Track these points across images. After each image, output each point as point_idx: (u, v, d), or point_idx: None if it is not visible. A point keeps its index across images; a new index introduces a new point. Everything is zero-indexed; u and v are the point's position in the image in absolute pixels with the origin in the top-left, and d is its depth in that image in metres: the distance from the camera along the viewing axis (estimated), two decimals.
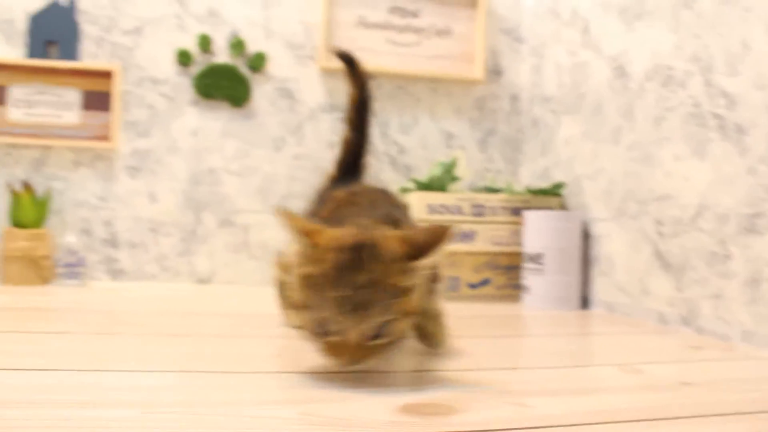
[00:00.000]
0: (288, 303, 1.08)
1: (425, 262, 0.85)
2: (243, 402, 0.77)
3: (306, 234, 0.85)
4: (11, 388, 0.79)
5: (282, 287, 1.31)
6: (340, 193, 1.11)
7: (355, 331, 0.81)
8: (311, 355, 1.05)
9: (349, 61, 1.27)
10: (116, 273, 2.05)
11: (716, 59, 1.38)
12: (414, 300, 0.86)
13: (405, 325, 0.87)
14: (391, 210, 1.07)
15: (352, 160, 1.28)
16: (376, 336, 0.83)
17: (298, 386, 0.86)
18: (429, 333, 1.09)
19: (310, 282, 0.83)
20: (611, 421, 0.74)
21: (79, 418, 0.68)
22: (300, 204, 2.08)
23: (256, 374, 0.91)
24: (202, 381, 0.86)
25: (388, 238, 0.85)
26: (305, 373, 0.93)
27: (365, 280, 0.81)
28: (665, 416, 0.77)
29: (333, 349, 0.84)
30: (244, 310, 1.56)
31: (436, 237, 0.84)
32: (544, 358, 1.14)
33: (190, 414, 0.71)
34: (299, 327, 0.89)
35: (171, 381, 0.85)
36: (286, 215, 0.86)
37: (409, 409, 0.75)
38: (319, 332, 0.84)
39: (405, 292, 0.84)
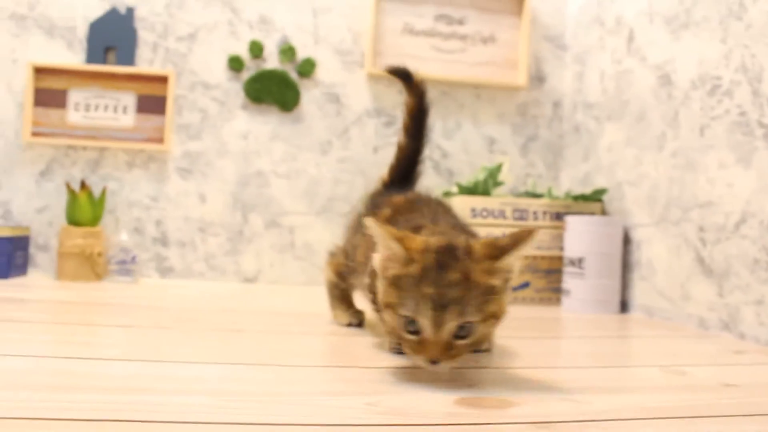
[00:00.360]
0: (341, 304, 1.10)
1: (510, 262, 0.87)
2: (310, 392, 0.82)
3: (398, 239, 0.87)
4: (87, 376, 0.85)
5: (332, 287, 1.37)
6: (399, 198, 1.16)
7: (441, 328, 0.83)
8: (365, 350, 1.10)
9: (404, 76, 1.31)
10: (165, 271, 2.13)
11: (765, 69, 1.40)
12: (503, 303, 0.88)
13: (491, 329, 0.88)
14: (452, 218, 1.11)
15: (405, 167, 1.32)
16: (462, 336, 0.84)
17: (359, 379, 0.90)
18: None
19: (399, 282, 0.85)
20: (656, 417, 0.77)
21: (154, 403, 0.73)
22: (344, 206, 2.15)
23: (316, 367, 0.96)
24: (267, 373, 0.91)
25: (474, 242, 0.88)
26: (364, 367, 0.98)
27: (454, 279, 0.83)
28: (707, 414, 0.80)
29: (418, 347, 0.85)
30: (290, 308, 1.61)
31: (518, 240, 0.86)
32: (587, 358, 1.18)
33: (263, 402, 0.76)
34: (387, 330, 0.92)
35: (237, 373, 0.91)
36: (376, 222, 0.88)
37: (465, 402, 0.79)
38: (407, 330, 0.85)
39: (493, 292, 0.85)
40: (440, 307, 0.82)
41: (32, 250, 2.08)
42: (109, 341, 1.10)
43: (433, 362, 0.84)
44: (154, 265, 2.12)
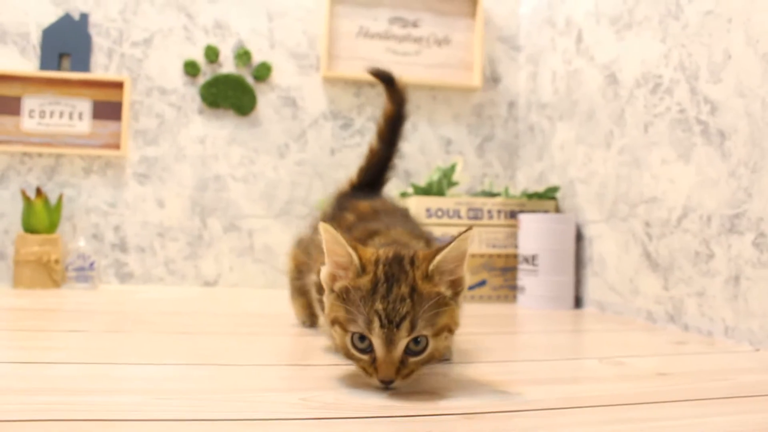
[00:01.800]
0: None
1: (445, 263, 0.83)
2: (246, 389, 0.83)
3: (353, 248, 0.83)
4: (37, 378, 0.85)
5: (292, 278, 1.34)
6: (364, 205, 1.15)
7: (394, 347, 0.79)
8: (309, 350, 1.12)
9: (387, 80, 1.30)
10: (125, 276, 2.12)
11: (701, 68, 1.44)
12: (455, 315, 0.85)
13: (445, 342, 0.84)
14: (410, 224, 1.11)
15: (375, 171, 1.31)
16: (416, 352, 0.81)
17: (297, 377, 0.92)
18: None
19: (348, 296, 0.82)
20: (584, 406, 0.80)
21: (97, 403, 0.74)
22: (302, 209, 2.16)
23: (256, 366, 0.98)
24: (207, 372, 0.93)
25: (423, 251, 0.86)
26: (304, 365, 0.99)
27: (403, 292, 0.80)
28: (636, 401, 0.83)
29: (370, 367, 0.81)
30: (248, 310, 1.62)
31: (453, 239, 0.82)
32: (534, 352, 1.20)
33: (198, 399, 0.77)
34: (335, 346, 0.88)
35: (179, 372, 0.92)
36: (331, 227, 0.83)
37: (398, 396, 0.81)
38: (356, 348, 0.82)
39: (443, 303, 0.82)
40: (390, 323, 0.78)
41: None
42: (57, 345, 1.10)
43: (386, 382, 0.81)
44: (114, 270, 2.12)
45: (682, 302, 1.47)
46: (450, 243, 0.82)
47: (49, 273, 1.97)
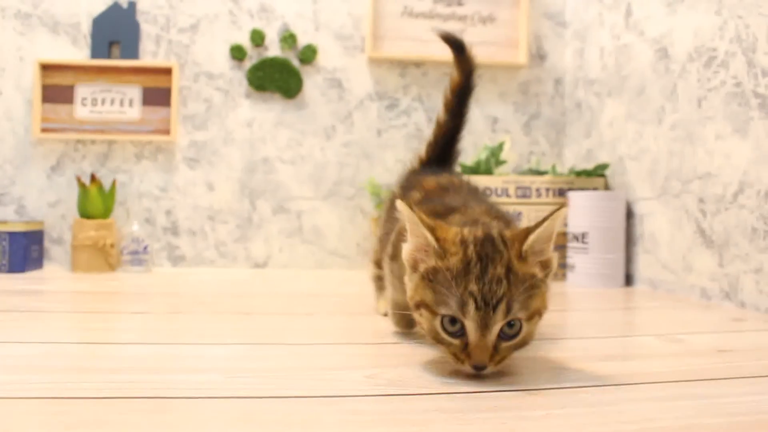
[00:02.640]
0: (395, 302, 1.05)
1: (538, 243, 0.79)
2: (313, 368, 0.85)
3: (430, 228, 0.80)
4: (110, 358, 0.89)
5: (374, 279, 1.28)
6: (430, 181, 1.10)
7: (489, 330, 0.76)
8: (370, 329, 1.13)
9: (458, 46, 1.25)
10: (177, 259, 2.17)
11: (758, 39, 1.41)
12: (545, 298, 0.81)
13: (534, 327, 0.81)
14: (484, 202, 1.05)
15: (443, 145, 1.26)
16: (509, 336, 0.78)
17: (361, 355, 0.94)
18: None
19: (436, 277, 0.78)
20: (647, 382, 0.80)
21: (173, 381, 0.77)
22: (350, 190, 2.18)
23: (320, 345, 1.00)
24: (272, 351, 0.95)
25: (512, 230, 0.83)
26: (367, 344, 1.01)
27: (498, 273, 0.76)
28: (698, 378, 0.83)
29: (462, 352, 0.78)
30: (299, 291, 1.65)
31: (544, 219, 0.79)
32: (588, 329, 1.20)
33: (267, 377, 0.80)
34: (421, 331, 0.83)
35: (244, 352, 0.94)
36: (408, 206, 0.81)
37: (461, 374, 0.82)
38: (447, 332, 0.78)
39: (536, 286, 0.79)
40: (486, 305, 0.75)
41: (47, 243, 2.12)
42: (124, 327, 1.14)
43: (479, 368, 0.77)
44: (166, 254, 2.17)
45: (738, 279, 1.45)
46: (542, 222, 0.79)
47: (105, 257, 2.03)
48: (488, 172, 1.97)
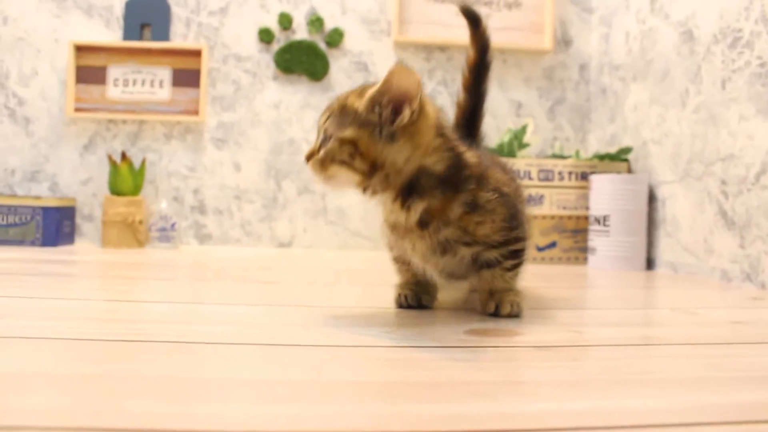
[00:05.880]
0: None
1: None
2: (325, 324, 0.88)
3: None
4: (138, 312, 0.93)
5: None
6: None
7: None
8: (388, 297, 1.16)
9: (473, 19, 1.23)
10: (204, 237, 2.21)
11: None
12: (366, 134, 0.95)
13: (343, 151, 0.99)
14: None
15: (466, 127, 1.23)
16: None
17: (379, 315, 0.96)
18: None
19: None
20: (656, 344, 0.82)
21: (193, 331, 0.81)
22: None
23: (338, 307, 1.03)
24: (288, 311, 0.98)
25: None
26: (385, 308, 1.04)
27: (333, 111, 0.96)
28: (707, 342, 0.84)
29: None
30: (322, 267, 1.68)
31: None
32: (606, 302, 1.22)
33: (277, 330, 0.83)
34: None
35: (260, 311, 0.98)
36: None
37: (474, 332, 0.85)
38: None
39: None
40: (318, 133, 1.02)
41: (78, 219, 2.18)
42: (151, 289, 1.18)
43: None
44: (193, 232, 2.21)
45: (759, 260, 1.45)
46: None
47: (134, 233, 2.08)
48: (511, 154, 1.99)
